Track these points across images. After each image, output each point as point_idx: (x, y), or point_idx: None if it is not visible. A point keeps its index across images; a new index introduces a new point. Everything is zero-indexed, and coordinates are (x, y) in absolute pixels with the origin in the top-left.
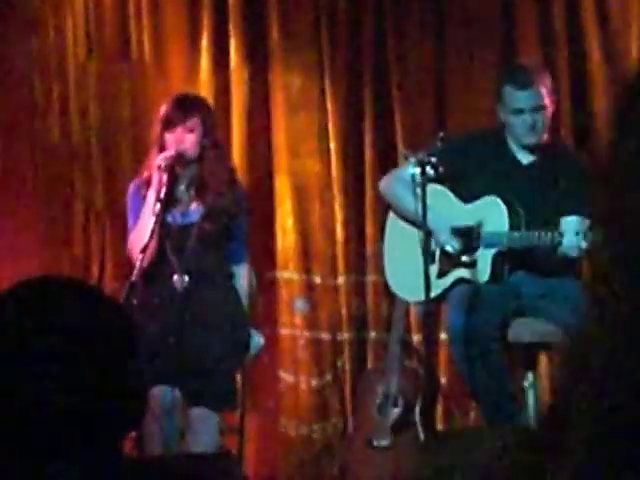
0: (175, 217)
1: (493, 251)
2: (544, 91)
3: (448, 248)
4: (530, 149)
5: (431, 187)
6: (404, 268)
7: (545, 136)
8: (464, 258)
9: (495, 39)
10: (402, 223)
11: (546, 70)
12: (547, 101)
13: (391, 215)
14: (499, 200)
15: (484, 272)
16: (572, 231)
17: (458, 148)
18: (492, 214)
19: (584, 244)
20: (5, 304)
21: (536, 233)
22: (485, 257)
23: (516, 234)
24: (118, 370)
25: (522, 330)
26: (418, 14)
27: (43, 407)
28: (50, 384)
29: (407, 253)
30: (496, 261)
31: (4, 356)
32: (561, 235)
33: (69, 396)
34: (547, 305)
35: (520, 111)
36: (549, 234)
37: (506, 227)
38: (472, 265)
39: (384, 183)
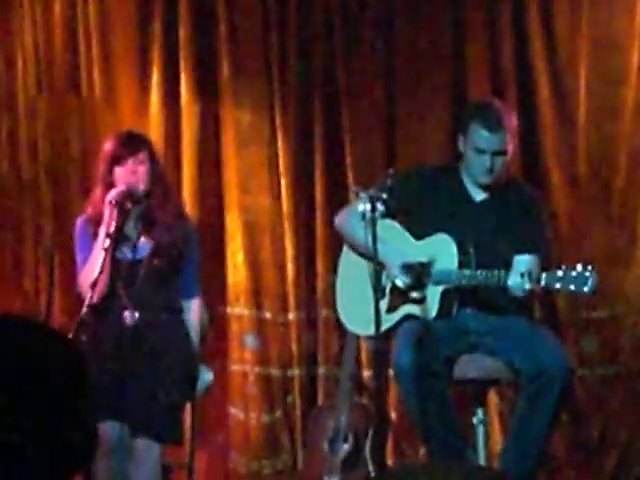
0: (124, 253)
1: (441, 288)
2: (508, 136)
3: (398, 282)
4: (484, 188)
5: (385, 222)
6: (355, 302)
7: (503, 175)
8: (414, 294)
9: (445, 75)
10: (355, 257)
11: (512, 111)
12: (509, 146)
13: (345, 249)
14: (449, 238)
15: (432, 308)
16: (520, 270)
17: (410, 183)
18: (442, 252)
19: (528, 285)
20: None
21: (483, 272)
22: (434, 294)
23: (464, 272)
24: (70, 407)
25: (468, 366)
26: (368, 50)
27: None
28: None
29: (359, 287)
30: (444, 298)
31: None
32: (506, 275)
33: (19, 432)
34: (494, 342)
35: (482, 151)
36: (495, 274)
37: (455, 265)
38: (421, 301)
39: (339, 218)
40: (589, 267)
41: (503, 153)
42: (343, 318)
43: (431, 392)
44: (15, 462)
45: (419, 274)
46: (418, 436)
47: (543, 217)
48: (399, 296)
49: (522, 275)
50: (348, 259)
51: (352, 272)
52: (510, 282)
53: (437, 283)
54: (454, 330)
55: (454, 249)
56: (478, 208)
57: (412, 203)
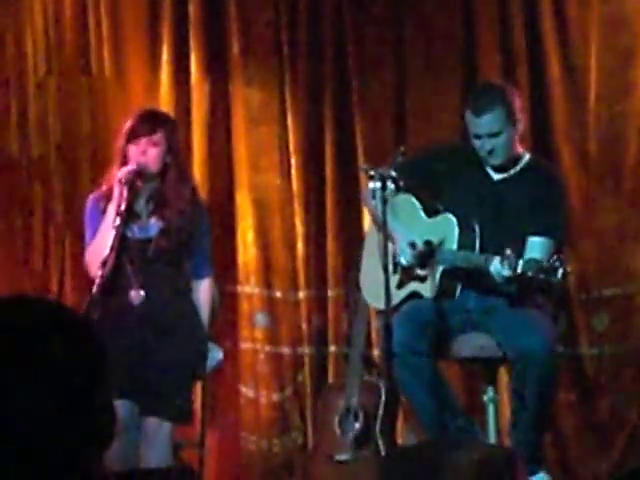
0: (133, 231)
1: (441, 268)
2: (503, 116)
3: (401, 260)
4: (499, 168)
5: (402, 197)
6: (372, 276)
7: (511, 154)
8: (419, 272)
9: (456, 54)
10: (376, 232)
11: (511, 89)
12: (505, 126)
13: (370, 224)
14: (452, 218)
15: (432, 288)
16: (537, 253)
17: (423, 160)
18: (445, 231)
19: (506, 272)
20: None
21: (471, 255)
22: (436, 273)
23: (459, 254)
24: (94, 389)
25: (464, 345)
26: (378, 28)
27: (16, 427)
28: (20, 404)
29: (376, 262)
30: (444, 278)
31: None
32: (488, 260)
33: (42, 417)
34: (488, 321)
35: (477, 136)
36: (479, 258)
37: (454, 245)
38: (425, 279)
39: (364, 194)
40: (561, 256)
41: (498, 134)
42: (362, 290)
43: (417, 370)
44: (46, 449)
45: (423, 252)
46: (415, 415)
47: (562, 198)
48: (408, 273)
49: (502, 262)
50: (371, 233)
51: (372, 247)
52: (491, 267)
53: (439, 262)
54: (455, 308)
55: (456, 229)
56: (496, 187)
57: (429, 179)
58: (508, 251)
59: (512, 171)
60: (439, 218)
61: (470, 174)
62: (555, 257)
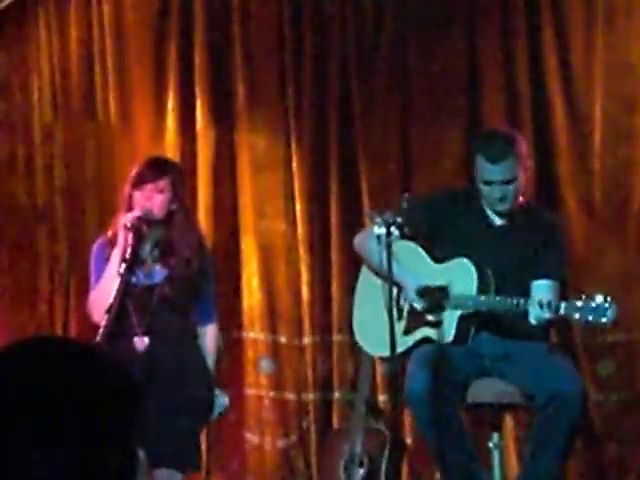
0: (139, 277)
1: (459, 313)
2: (516, 163)
3: (415, 305)
4: (502, 214)
5: (405, 244)
6: (372, 323)
7: (518, 200)
8: (430, 317)
9: (461, 99)
10: (373, 278)
11: (520, 137)
12: (518, 173)
13: (363, 269)
14: (469, 263)
15: (449, 333)
16: (539, 297)
17: (428, 207)
18: (461, 276)
19: (547, 315)
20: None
21: (502, 299)
22: (451, 318)
23: (483, 298)
24: (122, 437)
25: (482, 391)
26: (384, 75)
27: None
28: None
29: (376, 308)
30: (461, 323)
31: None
32: (526, 303)
33: (69, 465)
34: (508, 366)
35: (489, 183)
36: (515, 302)
37: (474, 290)
38: (437, 325)
39: (357, 239)
40: (609, 298)
41: (512, 181)
42: (359, 339)
43: (443, 417)
44: None
45: (436, 297)
46: (433, 461)
47: (562, 243)
48: (416, 319)
49: (541, 305)
50: (366, 280)
51: (370, 293)
52: (530, 312)
53: (455, 307)
54: (468, 354)
55: (474, 274)
56: (498, 233)
57: (430, 227)
58: (548, 296)
59: (513, 217)
60: (452, 263)
61: (472, 220)
62: (604, 298)
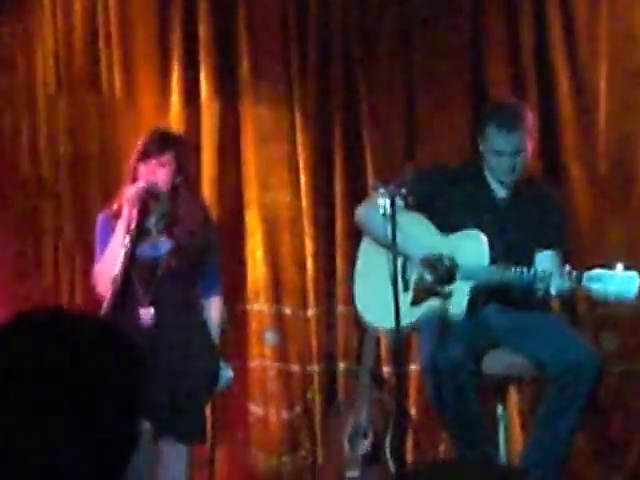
0: (143, 249)
1: (471, 284)
2: (525, 134)
3: (426, 276)
4: (506, 185)
5: (409, 215)
6: (376, 294)
7: (522, 173)
8: (441, 289)
9: (465, 71)
10: (376, 249)
11: (528, 109)
12: (527, 144)
13: (365, 241)
14: (480, 234)
15: (460, 304)
16: (543, 267)
17: (432, 178)
18: (471, 247)
19: (568, 285)
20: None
21: (520, 271)
22: (462, 290)
23: (497, 269)
24: (124, 407)
25: (494, 362)
26: (387, 44)
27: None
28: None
29: (379, 280)
30: (473, 294)
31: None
32: (548, 276)
33: (68, 436)
34: (519, 337)
35: (500, 153)
36: (533, 273)
37: (486, 261)
38: (447, 296)
39: (359, 211)
40: (633, 270)
41: (522, 152)
42: (361, 311)
43: (465, 389)
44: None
45: (447, 268)
46: (447, 432)
47: (563, 215)
48: (424, 290)
49: (562, 275)
50: (367, 251)
51: (372, 265)
52: (551, 283)
53: (465, 279)
54: (478, 326)
55: (485, 245)
56: (501, 205)
57: (433, 199)
58: (567, 266)
59: (516, 188)
60: (461, 234)
61: (476, 192)
62: (625, 271)
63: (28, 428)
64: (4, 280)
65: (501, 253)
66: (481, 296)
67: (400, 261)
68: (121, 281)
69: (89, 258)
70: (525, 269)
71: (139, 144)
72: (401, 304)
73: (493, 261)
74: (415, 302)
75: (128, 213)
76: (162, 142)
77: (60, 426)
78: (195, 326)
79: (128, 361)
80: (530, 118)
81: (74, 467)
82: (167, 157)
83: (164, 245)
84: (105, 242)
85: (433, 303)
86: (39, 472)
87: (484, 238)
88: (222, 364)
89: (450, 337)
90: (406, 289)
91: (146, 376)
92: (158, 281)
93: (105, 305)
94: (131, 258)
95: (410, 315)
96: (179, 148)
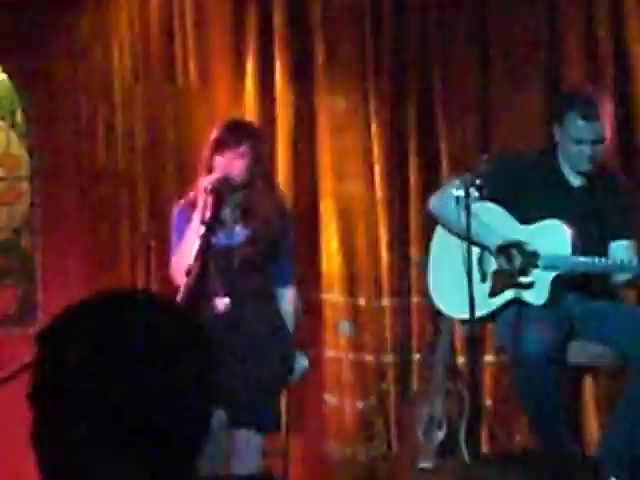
0: (219, 238)
1: (553, 274)
2: (606, 124)
3: (505, 266)
4: (582, 174)
5: (487, 205)
6: (451, 285)
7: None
8: (522, 279)
9: (540, 61)
10: (451, 240)
11: (608, 98)
12: (607, 133)
13: (439, 230)
14: (561, 223)
15: (541, 295)
16: (619, 257)
17: (506, 168)
18: (553, 237)
19: None
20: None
21: (606, 261)
22: (544, 280)
23: (582, 259)
24: (197, 393)
25: (576, 352)
26: (463, 35)
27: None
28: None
29: (455, 270)
30: (555, 284)
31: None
32: (633, 266)
33: (145, 420)
34: (601, 327)
35: (581, 141)
36: (620, 262)
37: (568, 251)
38: (528, 286)
39: (433, 201)
40: None
41: (602, 141)
42: (436, 300)
43: (550, 379)
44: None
45: (525, 257)
46: (529, 421)
47: (632, 200)
48: (503, 280)
49: None
50: (442, 241)
51: (447, 255)
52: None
53: (547, 269)
54: (559, 316)
55: (568, 235)
56: (576, 194)
57: (508, 189)
58: (627, 256)
59: (590, 178)
60: (542, 224)
61: (550, 181)
62: None
63: (106, 407)
64: (81, 270)
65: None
66: (564, 286)
67: (477, 251)
68: (197, 271)
69: (165, 247)
70: (608, 259)
71: (213, 135)
72: (478, 294)
73: (574, 251)
74: (493, 292)
75: (203, 204)
76: (238, 133)
77: (137, 405)
78: (270, 315)
79: (204, 346)
80: (608, 106)
81: (150, 450)
82: (244, 148)
83: (239, 234)
84: (181, 233)
85: (513, 294)
86: (117, 450)
87: (566, 228)
88: (297, 353)
89: (534, 327)
90: (484, 280)
91: (220, 364)
92: (234, 270)
93: (180, 295)
94: (207, 248)
95: (487, 305)
96: (255, 139)
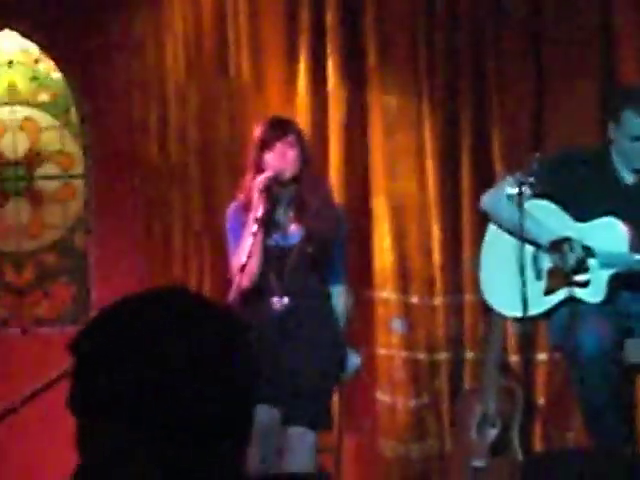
0: (276, 239)
1: (610, 272)
2: None
3: (560, 264)
4: (635, 172)
5: (541, 203)
6: (504, 283)
7: None
8: (577, 277)
9: (594, 56)
10: (504, 237)
11: None
12: None
13: (491, 228)
14: (617, 221)
15: (598, 293)
16: None
17: (559, 166)
18: (609, 234)
19: None
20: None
21: None
22: (600, 278)
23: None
24: (238, 392)
25: (633, 351)
26: (516, 33)
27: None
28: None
29: (508, 268)
30: (612, 283)
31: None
32: None
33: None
34: None
35: (636, 138)
36: None
37: (625, 248)
38: (584, 285)
39: (485, 199)
40: None
41: None
42: (488, 298)
43: (610, 377)
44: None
45: (579, 255)
46: (587, 423)
47: None
48: (558, 278)
49: None
50: (495, 239)
51: (500, 252)
52: None
53: (605, 266)
54: (614, 314)
55: (624, 232)
56: (630, 191)
57: (561, 186)
58: None
59: None
60: (597, 222)
61: (604, 179)
62: None
63: (153, 399)
64: (134, 268)
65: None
66: (621, 284)
67: (531, 249)
68: (253, 270)
69: (218, 246)
70: None
71: (257, 134)
72: (532, 292)
73: (632, 249)
74: (549, 291)
75: (257, 203)
76: (282, 126)
77: (184, 399)
78: (324, 313)
79: (247, 344)
80: None
81: (195, 443)
82: (292, 138)
83: (295, 234)
84: (237, 237)
85: (569, 291)
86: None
87: (622, 226)
88: (350, 351)
89: (591, 325)
90: (538, 277)
91: (273, 363)
92: (291, 270)
93: (232, 293)
94: (264, 249)
95: (541, 304)
96: (298, 131)
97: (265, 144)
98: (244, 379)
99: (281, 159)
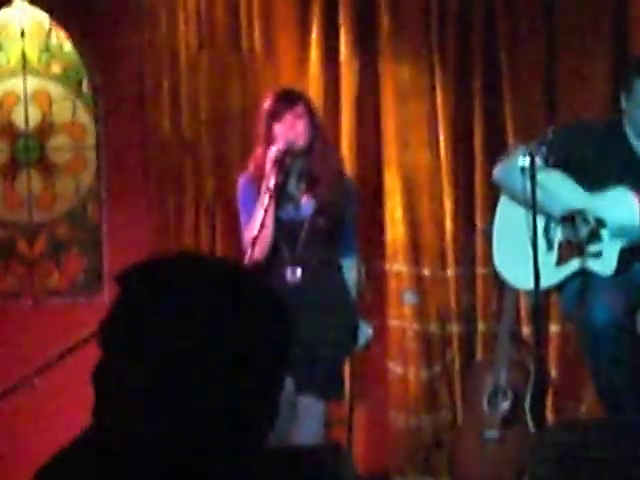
0: (288, 212)
1: (622, 243)
2: None
3: (571, 235)
4: None
5: (552, 173)
6: (516, 254)
7: None
8: (589, 248)
9: (607, 27)
10: (516, 209)
11: None
12: None
13: (503, 200)
14: (630, 192)
15: (609, 264)
16: None
17: (572, 137)
18: (621, 205)
19: None
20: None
21: None
22: (612, 249)
23: None
24: (279, 370)
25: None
26: (529, 5)
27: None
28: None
29: (520, 239)
30: (623, 254)
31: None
32: None
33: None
34: None
35: None
36: None
37: (637, 219)
38: (596, 256)
39: (498, 170)
40: None
41: None
42: (501, 270)
43: (622, 348)
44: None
45: (591, 225)
46: (600, 393)
47: None
48: (570, 249)
49: None
50: (507, 210)
51: (512, 223)
52: None
53: (616, 237)
54: (626, 286)
55: (634, 203)
56: None
57: (574, 157)
58: None
59: None
60: (609, 192)
61: (617, 150)
62: None
63: (186, 367)
64: (146, 239)
65: None
66: (633, 256)
67: (543, 220)
68: (269, 243)
69: (229, 215)
70: None
71: (266, 106)
72: (544, 264)
73: None
74: (560, 262)
75: (268, 175)
76: (290, 97)
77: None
78: (336, 285)
79: (283, 312)
80: None
81: (229, 416)
82: (301, 109)
83: (307, 206)
84: (249, 210)
85: (581, 263)
86: (195, 418)
87: (633, 196)
88: (362, 322)
89: (602, 296)
90: (550, 248)
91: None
92: (304, 241)
93: (245, 264)
94: (276, 222)
95: (553, 276)
96: (307, 101)
97: (274, 115)
98: (285, 348)
99: (290, 130)
